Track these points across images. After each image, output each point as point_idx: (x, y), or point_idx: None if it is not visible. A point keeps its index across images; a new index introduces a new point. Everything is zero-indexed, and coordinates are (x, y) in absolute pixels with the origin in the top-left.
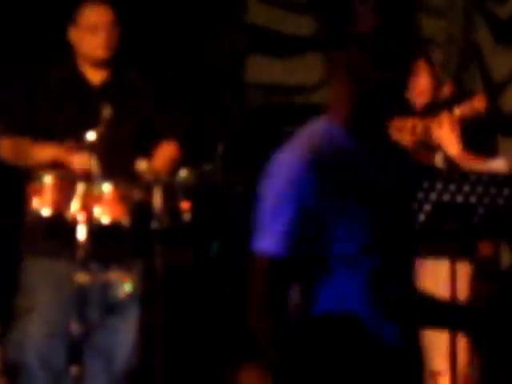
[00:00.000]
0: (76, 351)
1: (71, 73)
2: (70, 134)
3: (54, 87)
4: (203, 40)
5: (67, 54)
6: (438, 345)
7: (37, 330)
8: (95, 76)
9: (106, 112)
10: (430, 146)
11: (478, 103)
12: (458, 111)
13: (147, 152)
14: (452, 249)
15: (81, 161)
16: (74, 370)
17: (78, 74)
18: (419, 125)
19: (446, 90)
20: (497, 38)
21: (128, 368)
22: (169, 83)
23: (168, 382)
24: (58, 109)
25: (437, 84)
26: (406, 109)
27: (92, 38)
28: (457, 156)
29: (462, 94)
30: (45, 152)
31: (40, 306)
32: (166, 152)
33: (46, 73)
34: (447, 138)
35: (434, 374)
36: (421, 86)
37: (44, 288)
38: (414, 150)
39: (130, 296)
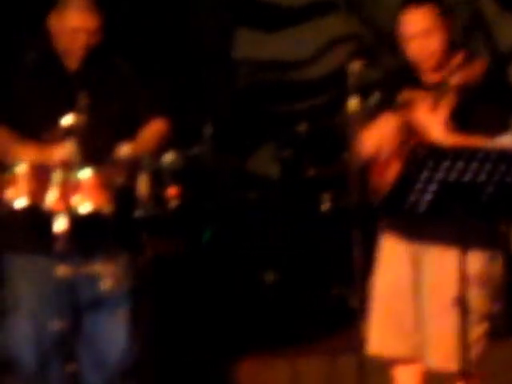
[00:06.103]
0: (67, 347)
1: (48, 56)
2: (45, 120)
3: (30, 71)
4: (187, 14)
5: (42, 36)
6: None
7: (22, 327)
8: (72, 60)
9: (84, 99)
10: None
11: (476, 68)
12: (454, 79)
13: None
14: (462, 235)
15: (61, 153)
16: (69, 367)
17: (54, 58)
18: (427, 99)
19: (458, 59)
20: (502, 5)
21: (122, 364)
22: (153, 62)
23: (159, 374)
24: (33, 93)
25: (448, 49)
26: (414, 80)
27: (72, 38)
28: (442, 139)
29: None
30: (25, 153)
31: (23, 302)
32: (151, 131)
33: (22, 56)
34: (427, 121)
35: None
36: (431, 48)
37: (25, 284)
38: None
39: (118, 290)
